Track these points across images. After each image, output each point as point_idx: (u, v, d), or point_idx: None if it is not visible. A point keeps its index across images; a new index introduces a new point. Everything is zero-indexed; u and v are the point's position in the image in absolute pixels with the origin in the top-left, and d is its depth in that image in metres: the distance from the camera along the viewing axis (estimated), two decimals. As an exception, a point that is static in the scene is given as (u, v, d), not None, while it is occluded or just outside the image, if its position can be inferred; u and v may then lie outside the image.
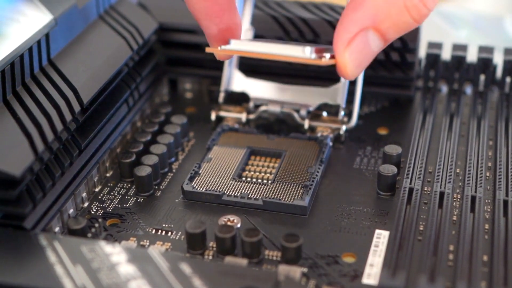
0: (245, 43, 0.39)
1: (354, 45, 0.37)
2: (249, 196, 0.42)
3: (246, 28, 0.48)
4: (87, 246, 0.35)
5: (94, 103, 0.44)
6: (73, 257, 0.34)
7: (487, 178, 0.43)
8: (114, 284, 0.33)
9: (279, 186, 0.42)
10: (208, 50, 0.40)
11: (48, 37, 0.43)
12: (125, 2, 0.51)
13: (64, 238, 0.36)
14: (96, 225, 0.40)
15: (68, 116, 0.40)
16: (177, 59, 0.53)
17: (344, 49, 0.37)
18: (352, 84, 0.48)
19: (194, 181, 0.43)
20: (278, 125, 0.49)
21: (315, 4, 0.51)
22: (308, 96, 0.49)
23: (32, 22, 0.43)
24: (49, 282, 0.33)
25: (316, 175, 0.43)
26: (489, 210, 0.41)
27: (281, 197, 0.42)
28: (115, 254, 0.35)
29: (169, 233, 0.40)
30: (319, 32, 0.50)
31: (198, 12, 0.39)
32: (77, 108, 0.41)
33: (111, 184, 0.44)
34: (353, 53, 0.37)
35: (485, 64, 0.51)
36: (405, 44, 0.49)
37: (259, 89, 0.50)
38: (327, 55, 0.38)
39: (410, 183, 0.42)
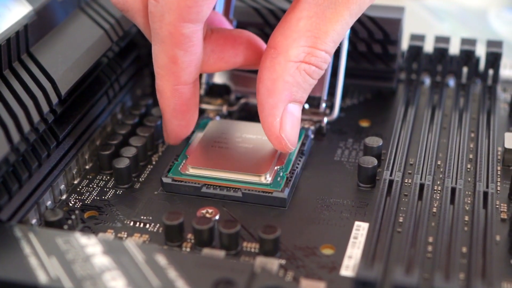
0: (203, 171, 0.42)
1: (285, 125, 0.40)
2: (228, 188, 0.42)
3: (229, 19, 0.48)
4: (62, 237, 0.35)
5: (73, 95, 0.44)
6: (48, 248, 0.34)
7: (468, 170, 0.43)
8: (88, 275, 0.33)
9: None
10: (164, 180, 0.42)
11: (26, 28, 0.42)
12: (106, -7, 0.50)
13: (39, 230, 0.36)
14: (73, 217, 0.40)
15: (45, 107, 0.40)
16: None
17: (280, 133, 0.41)
18: (334, 76, 0.48)
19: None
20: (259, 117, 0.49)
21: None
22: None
23: (11, 13, 0.42)
24: (22, 274, 0.33)
25: (297, 167, 0.43)
26: (469, 202, 0.40)
27: (260, 189, 0.41)
28: (90, 245, 0.34)
29: (147, 225, 0.40)
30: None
31: (167, 105, 0.42)
32: (54, 99, 0.41)
33: (90, 176, 0.44)
34: (288, 131, 0.41)
35: (468, 56, 0.50)
36: (387, 36, 0.49)
37: (240, 81, 0.49)
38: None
39: (391, 175, 0.42)
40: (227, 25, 0.46)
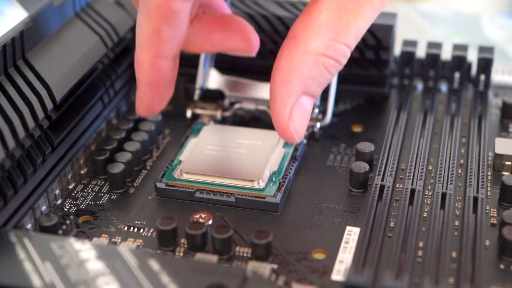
0: (197, 176, 0.43)
1: (294, 116, 0.39)
2: (221, 193, 0.42)
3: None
4: (56, 243, 0.35)
5: (68, 100, 0.44)
6: (42, 253, 0.34)
7: (459, 175, 0.43)
8: (82, 280, 0.33)
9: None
10: (158, 185, 0.43)
11: (22, 35, 0.43)
12: (101, 0, 0.51)
13: (34, 235, 0.36)
14: (68, 222, 0.40)
15: (40, 113, 0.40)
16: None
17: (288, 123, 0.39)
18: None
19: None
20: (253, 122, 0.49)
21: (291, 2, 0.51)
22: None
23: (7, 19, 0.43)
24: (17, 279, 0.33)
25: (289, 172, 0.43)
26: (459, 207, 0.41)
27: (253, 194, 0.42)
28: (84, 250, 0.35)
29: (141, 230, 0.40)
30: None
31: (144, 77, 0.41)
32: (49, 105, 0.41)
33: (85, 181, 0.44)
34: (296, 122, 0.40)
35: (460, 61, 0.51)
36: (379, 42, 0.49)
37: (234, 86, 0.50)
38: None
39: (382, 180, 0.42)
40: (225, 9, 0.46)
